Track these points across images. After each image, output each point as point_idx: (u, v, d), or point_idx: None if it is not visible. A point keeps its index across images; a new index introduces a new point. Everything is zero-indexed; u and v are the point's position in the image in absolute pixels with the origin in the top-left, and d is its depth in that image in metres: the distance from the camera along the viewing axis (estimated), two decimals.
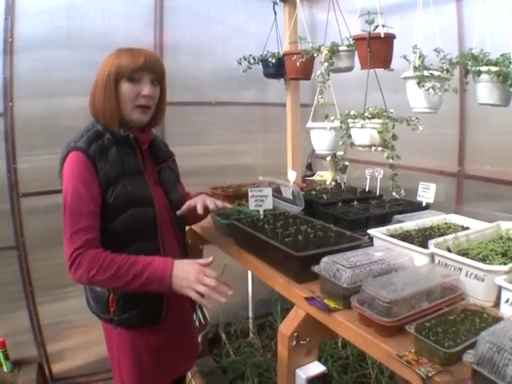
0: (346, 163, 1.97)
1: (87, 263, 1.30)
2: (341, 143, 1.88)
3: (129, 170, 1.43)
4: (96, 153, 1.37)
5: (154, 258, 1.34)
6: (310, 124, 2.14)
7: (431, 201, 1.97)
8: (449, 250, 1.36)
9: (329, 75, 2.06)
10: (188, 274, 1.30)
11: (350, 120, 1.80)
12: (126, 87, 1.40)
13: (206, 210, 1.63)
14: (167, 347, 1.58)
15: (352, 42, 2.00)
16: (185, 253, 1.65)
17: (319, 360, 1.49)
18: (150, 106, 1.47)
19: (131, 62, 1.38)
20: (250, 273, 2.86)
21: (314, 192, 2.32)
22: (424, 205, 2.00)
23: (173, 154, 1.71)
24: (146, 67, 1.40)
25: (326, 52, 2.06)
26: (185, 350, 1.68)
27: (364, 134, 1.77)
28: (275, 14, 2.66)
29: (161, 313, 1.51)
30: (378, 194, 2.28)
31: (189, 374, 2.41)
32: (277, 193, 2.15)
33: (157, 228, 1.47)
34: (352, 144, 1.85)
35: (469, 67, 1.53)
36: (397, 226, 1.64)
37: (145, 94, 1.42)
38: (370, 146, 1.78)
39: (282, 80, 2.71)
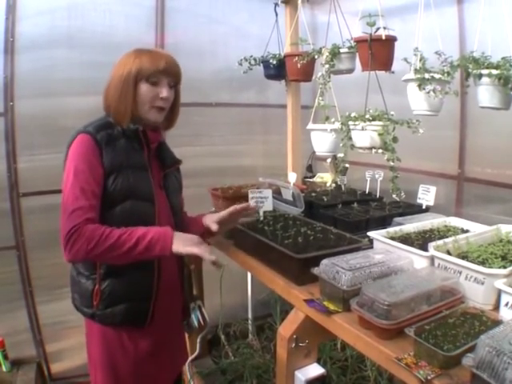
0: (347, 165, 1.98)
1: (86, 235, 1.29)
2: (341, 145, 1.88)
3: (134, 163, 1.45)
4: (103, 139, 1.40)
5: (152, 227, 1.39)
6: (310, 126, 2.14)
7: (431, 203, 1.97)
8: (448, 253, 1.36)
9: (330, 77, 2.06)
10: (192, 238, 1.41)
11: (350, 122, 1.81)
12: (145, 88, 1.44)
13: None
14: (147, 356, 1.55)
15: (353, 44, 2.00)
16: (182, 258, 1.65)
17: (318, 362, 1.49)
18: (166, 107, 1.51)
19: (153, 64, 1.42)
20: (249, 274, 2.86)
21: (314, 194, 2.32)
22: (424, 207, 2.00)
23: (180, 161, 1.70)
24: (165, 71, 1.45)
25: (327, 54, 2.06)
26: (168, 361, 1.63)
27: (364, 136, 1.77)
28: (276, 15, 2.66)
29: (146, 315, 1.49)
30: (378, 196, 2.28)
31: (188, 375, 2.41)
32: (277, 194, 2.15)
33: (155, 225, 1.45)
34: (352, 146, 1.85)
35: (470, 70, 1.54)
36: (397, 228, 1.64)
37: (163, 96, 1.45)
38: (371, 148, 1.78)
39: (282, 81, 2.71)
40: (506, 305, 1.15)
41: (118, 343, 1.50)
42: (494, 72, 1.47)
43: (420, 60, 1.63)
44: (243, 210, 1.70)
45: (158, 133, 1.59)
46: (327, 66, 2.05)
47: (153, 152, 1.55)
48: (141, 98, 1.44)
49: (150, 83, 1.44)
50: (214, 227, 1.60)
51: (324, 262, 1.34)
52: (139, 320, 1.49)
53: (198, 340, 2.33)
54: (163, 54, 1.49)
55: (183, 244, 1.36)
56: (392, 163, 1.74)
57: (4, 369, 2.42)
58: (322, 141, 2.08)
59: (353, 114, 1.81)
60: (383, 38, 1.74)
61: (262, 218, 1.84)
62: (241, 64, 2.59)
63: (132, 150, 1.46)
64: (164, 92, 1.45)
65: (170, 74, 1.47)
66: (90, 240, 1.29)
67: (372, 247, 1.57)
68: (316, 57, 2.23)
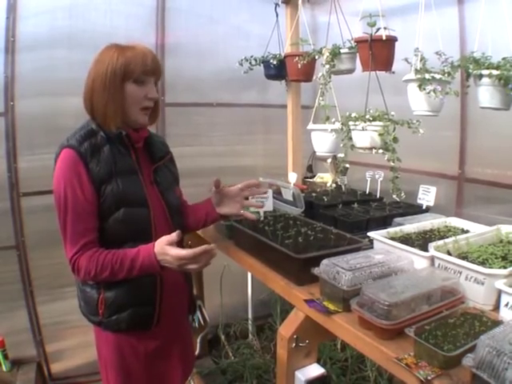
0: (347, 165, 1.97)
1: (84, 267, 1.33)
2: (342, 145, 1.88)
3: (122, 169, 1.40)
4: (88, 151, 1.35)
5: (139, 250, 1.33)
6: (310, 126, 2.14)
7: (431, 204, 1.97)
8: (449, 254, 1.36)
9: (330, 77, 2.06)
10: (171, 265, 1.30)
11: (350, 122, 1.81)
12: (132, 89, 1.37)
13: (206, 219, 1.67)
14: (158, 356, 1.54)
15: (354, 45, 2.00)
16: None
17: (318, 362, 1.49)
18: (152, 106, 1.46)
19: (140, 64, 1.35)
20: (249, 274, 2.86)
21: (314, 194, 2.32)
22: (424, 208, 2.00)
23: (169, 151, 1.65)
24: (153, 70, 1.39)
25: (328, 54, 2.06)
26: (178, 359, 1.61)
27: (365, 136, 1.77)
28: (277, 15, 2.66)
29: (151, 318, 1.48)
30: (378, 196, 2.27)
31: None
32: (277, 194, 2.15)
33: (151, 229, 1.43)
34: (353, 146, 1.85)
35: (470, 70, 1.53)
36: (397, 228, 1.64)
37: (152, 96, 1.41)
38: (371, 149, 1.78)
39: (283, 81, 2.71)
40: (506, 305, 1.15)
41: (127, 345, 1.49)
42: (495, 72, 1.46)
43: (420, 60, 1.63)
44: (255, 185, 1.65)
45: (142, 130, 1.50)
46: (328, 66, 2.05)
47: (141, 149, 1.50)
48: (129, 99, 1.38)
49: (137, 83, 1.37)
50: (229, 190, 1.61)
51: (324, 262, 1.34)
52: (145, 324, 1.48)
53: (198, 340, 2.34)
54: (146, 51, 1.40)
55: (172, 268, 1.32)
56: (392, 163, 1.74)
57: (4, 368, 2.42)
58: (323, 141, 2.08)
59: (353, 114, 1.81)
60: (384, 38, 1.74)
61: (262, 218, 1.84)
62: (241, 64, 2.59)
63: (118, 154, 1.41)
64: (153, 92, 1.41)
65: (156, 72, 1.42)
66: (90, 271, 1.33)
67: (372, 247, 1.57)
68: (316, 57, 2.23)
